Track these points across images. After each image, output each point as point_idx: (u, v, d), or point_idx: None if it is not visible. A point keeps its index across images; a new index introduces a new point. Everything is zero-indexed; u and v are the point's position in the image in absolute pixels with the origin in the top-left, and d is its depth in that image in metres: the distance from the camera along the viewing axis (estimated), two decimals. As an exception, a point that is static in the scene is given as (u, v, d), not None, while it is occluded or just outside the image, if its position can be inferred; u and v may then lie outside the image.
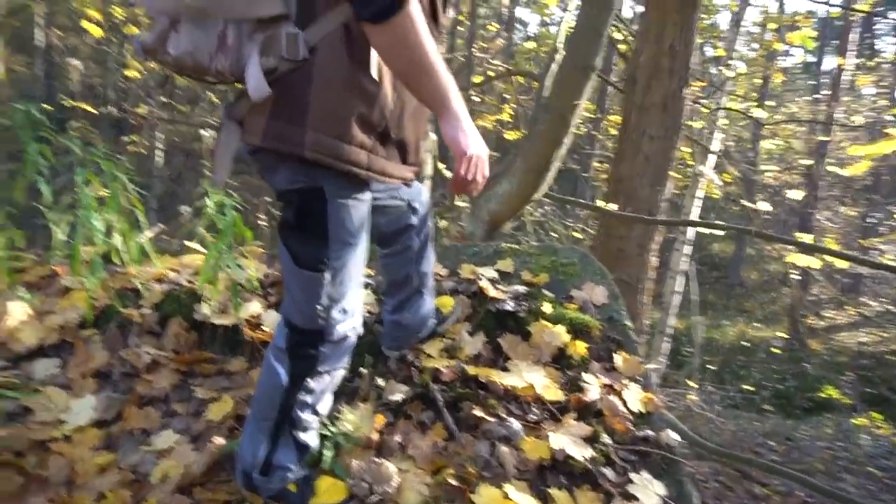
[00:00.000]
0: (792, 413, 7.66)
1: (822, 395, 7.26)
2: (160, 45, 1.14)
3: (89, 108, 6.73)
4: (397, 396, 1.79)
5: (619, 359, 2.01)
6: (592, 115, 10.35)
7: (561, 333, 2.03)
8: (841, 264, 4.15)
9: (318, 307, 1.28)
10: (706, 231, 5.84)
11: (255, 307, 1.99)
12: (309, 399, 1.38)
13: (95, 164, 2.12)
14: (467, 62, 5.62)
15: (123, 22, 7.19)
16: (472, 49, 7.79)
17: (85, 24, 6.39)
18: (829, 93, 13.09)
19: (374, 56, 1.14)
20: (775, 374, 9.45)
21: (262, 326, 1.99)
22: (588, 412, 1.80)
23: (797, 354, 10.73)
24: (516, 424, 1.70)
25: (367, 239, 1.35)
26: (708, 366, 7.90)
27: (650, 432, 1.75)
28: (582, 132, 9.20)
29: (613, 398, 1.83)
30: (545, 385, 1.84)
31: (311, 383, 1.35)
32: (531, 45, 8.67)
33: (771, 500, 3.85)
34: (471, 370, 1.89)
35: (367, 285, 2.19)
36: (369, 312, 2.07)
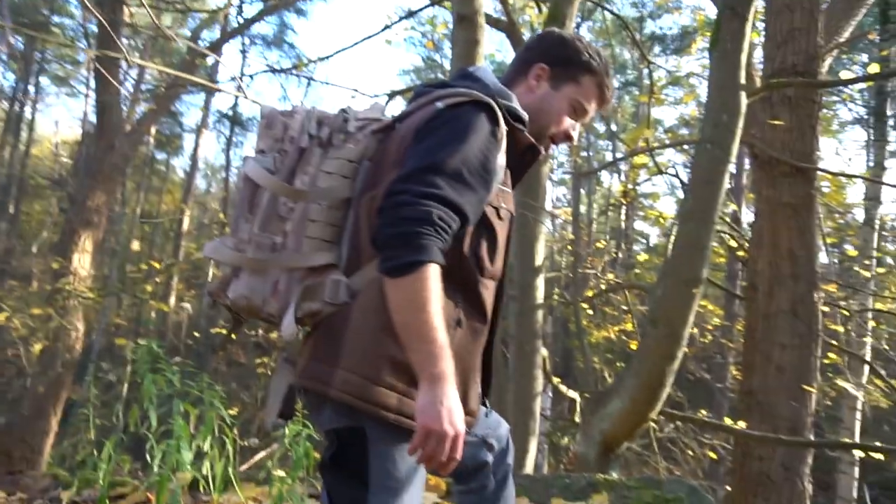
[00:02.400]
0: None
1: None
2: (222, 290, 1.29)
3: (232, 336, 7.52)
4: None
5: None
6: (720, 322, 9.84)
7: (663, 590, 1.72)
8: None
9: None
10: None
11: (322, 545, 1.90)
12: None
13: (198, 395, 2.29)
14: (574, 278, 5.74)
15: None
16: (587, 265, 8.01)
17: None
18: None
19: None
20: None
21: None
22: None
23: None
24: None
25: (419, 484, 1.28)
26: None
27: None
28: (708, 340, 8.69)
29: None
30: None
31: None
32: (644, 257, 8.75)
33: None
34: None
35: (442, 522, 2.04)
36: (441, 555, 1.90)
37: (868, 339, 7.17)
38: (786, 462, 4.79)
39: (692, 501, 2.14)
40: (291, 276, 1.24)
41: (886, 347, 7.34)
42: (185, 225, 16.04)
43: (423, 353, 1.07)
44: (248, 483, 2.34)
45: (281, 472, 2.16)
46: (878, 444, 4.82)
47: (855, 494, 7.10)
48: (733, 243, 7.38)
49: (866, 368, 6.99)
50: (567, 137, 1.41)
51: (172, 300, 13.93)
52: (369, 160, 1.28)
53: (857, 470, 6.96)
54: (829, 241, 9.84)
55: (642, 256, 8.66)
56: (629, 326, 9.06)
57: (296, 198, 1.25)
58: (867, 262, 7.54)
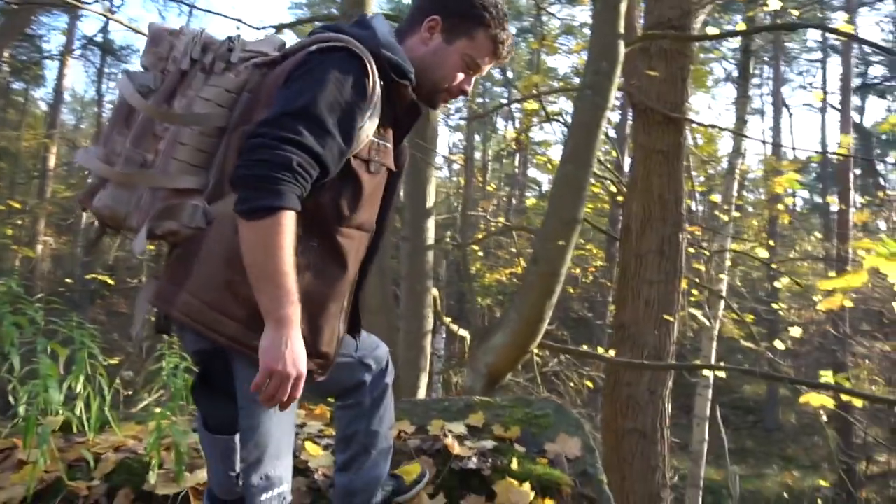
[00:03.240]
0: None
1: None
2: (89, 198, 1.27)
3: (109, 281, 7.12)
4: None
5: (590, 520, 1.87)
6: (602, 263, 10.51)
7: (527, 492, 1.91)
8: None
9: (231, 473, 1.24)
10: (723, 373, 5.62)
11: (204, 474, 1.92)
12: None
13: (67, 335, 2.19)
14: (464, 221, 5.89)
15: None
16: (479, 209, 8.24)
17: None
18: (838, 231, 13.24)
19: None
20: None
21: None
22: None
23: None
24: None
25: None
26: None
27: None
28: (589, 280, 9.29)
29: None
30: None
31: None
32: (532, 202, 9.11)
33: None
34: (426, 538, 1.75)
35: (326, 446, 2.12)
36: (325, 476, 1.99)
37: (724, 277, 7.95)
38: (650, 386, 5.31)
39: (558, 417, 2.36)
40: (155, 195, 1.24)
41: (739, 284, 8.18)
42: (52, 163, 14.63)
43: (270, 296, 1.10)
44: (128, 423, 2.29)
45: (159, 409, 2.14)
46: (722, 364, 5.43)
47: (708, 413, 7.99)
48: (614, 189, 7.85)
49: (722, 303, 7.78)
50: (461, 92, 1.39)
51: (40, 247, 12.82)
52: (249, 92, 1.27)
53: (710, 392, 7.82)
54: (700, 188, 10.68)
55: (531, 201, 9.02)
56: (519, 270, 9.48)
57: (166, 120, 1.25)
58: (727, 207, 8.28)
